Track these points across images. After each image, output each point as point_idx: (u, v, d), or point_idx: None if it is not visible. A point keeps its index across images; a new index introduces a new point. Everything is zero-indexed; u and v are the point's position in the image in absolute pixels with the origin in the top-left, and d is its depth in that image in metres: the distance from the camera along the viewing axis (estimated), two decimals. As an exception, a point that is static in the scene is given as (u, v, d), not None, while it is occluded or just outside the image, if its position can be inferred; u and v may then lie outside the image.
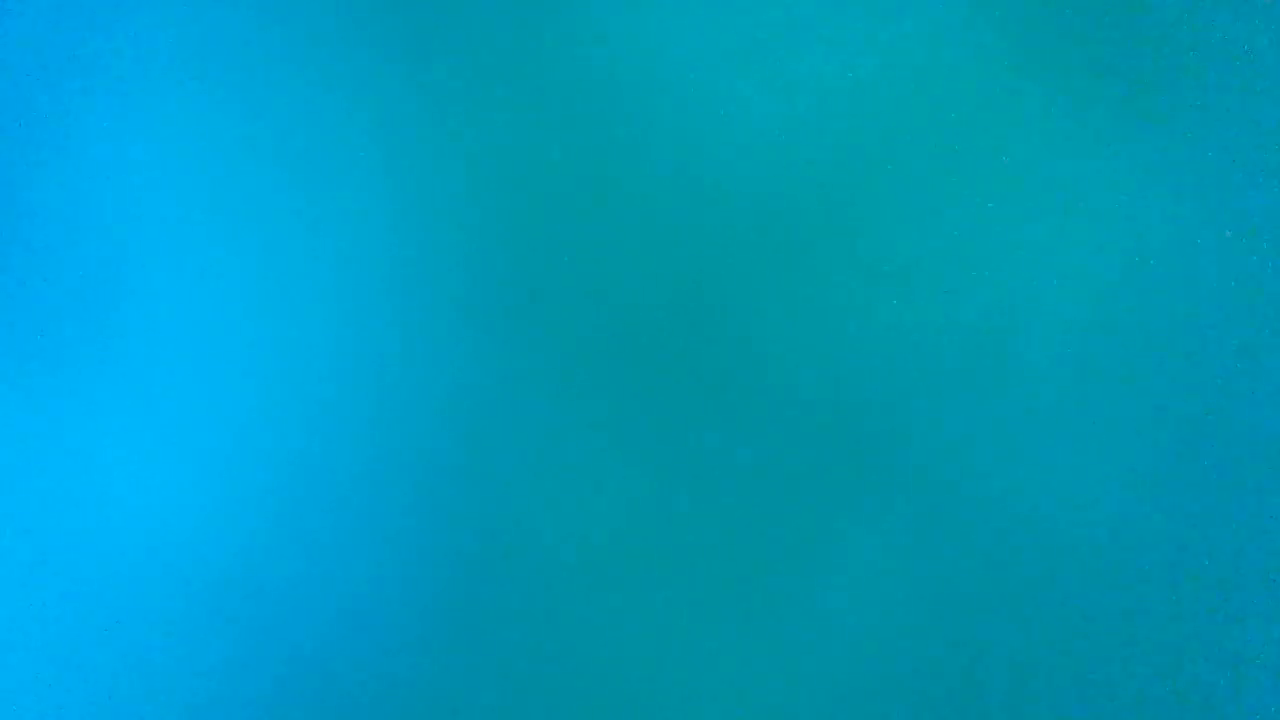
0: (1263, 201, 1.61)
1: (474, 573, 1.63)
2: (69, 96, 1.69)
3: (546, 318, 1.65)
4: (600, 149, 1.67)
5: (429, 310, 1.66)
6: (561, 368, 1.65)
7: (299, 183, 1.67)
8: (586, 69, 1.67)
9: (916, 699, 1.60)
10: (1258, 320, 1.60)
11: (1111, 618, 1.59)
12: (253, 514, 1.65)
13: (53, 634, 1.65)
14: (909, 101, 1.65)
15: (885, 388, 1.62)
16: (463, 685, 1.63)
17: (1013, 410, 1.61)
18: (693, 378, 1.64)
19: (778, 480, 1.62)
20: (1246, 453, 1.59)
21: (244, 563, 1.64)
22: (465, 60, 1.68)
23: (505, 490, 1.64)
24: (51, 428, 1.67)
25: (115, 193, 1.68)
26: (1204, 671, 1.58)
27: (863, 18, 1.65)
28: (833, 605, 1.61)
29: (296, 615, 1.64)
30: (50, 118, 1.69)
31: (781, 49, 1.66)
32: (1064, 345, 1.61)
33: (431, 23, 1.68)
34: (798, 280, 1.64)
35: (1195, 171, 1.62)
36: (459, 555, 1.63)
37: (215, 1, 1.69)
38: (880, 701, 1.60)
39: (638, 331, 1.65)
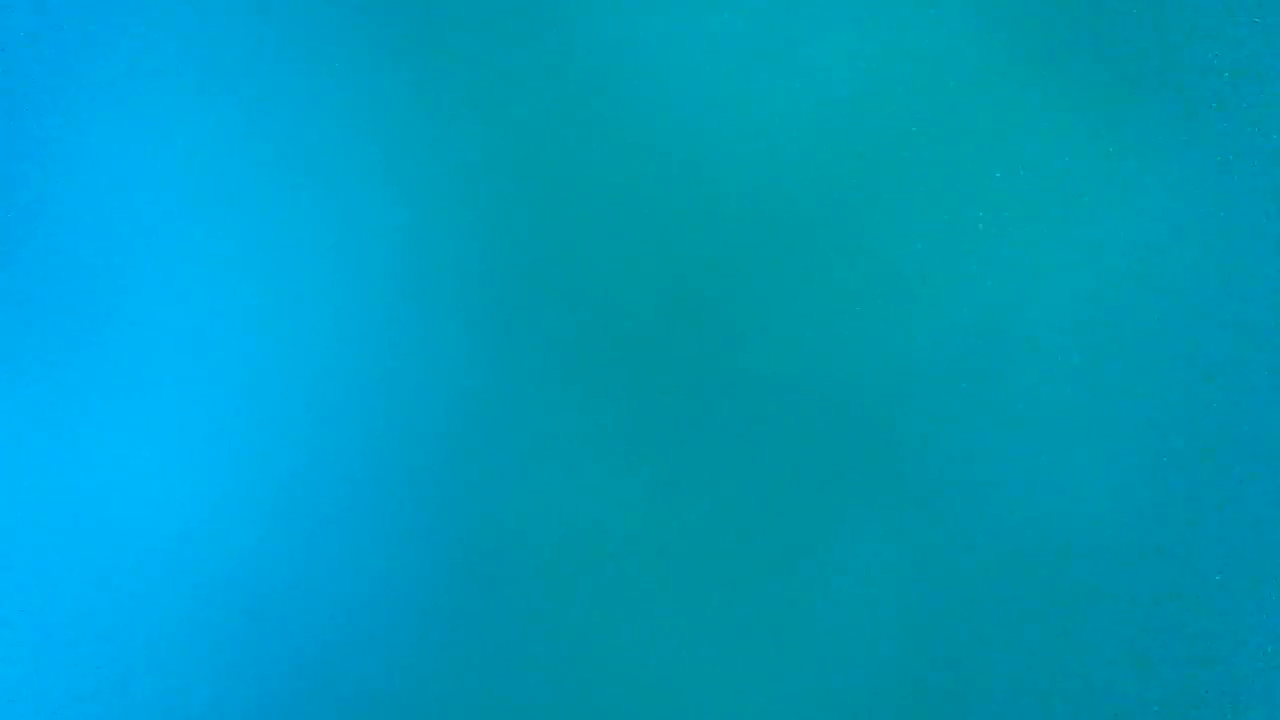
0: (1262, 202, 1.61)
1: (474, 572, 1.63)
2: (69, 97, 1.69)
3: (547, 319, 1.65)
4: (601, 150, 1.67)
5: (428, 310, 1.66)
6: (561, 369, 1.65)
7: (298, 183, 1.67)
8: (589, 70, 1.67)
9: (916, 698, 1.60)
10: (1257, 320, 1.60)
11: (1111, 617, 1.59)
12: (251, 514, 1.65)
13: (52, 633, 1.65)
14: (909, 103, 1.65)
15: (885, 387, 1.62)
16: (462, 683, 1.63)
17: (1013, 410, 1.61)
18: (694, 378, 1.64)
19: (777, 480, 1.62)
20: (1246, 452, 1.59)
21: (243, 563, 1.64)
22: (466, 61, 1.68)
23: (506, 491, 1.64)
24: (51, 428, 1.67)
25: (115, 193, 1.68)
26: (1204, 670, 1.58)
27: (863, 21, 1.66)
28: (832, 603, 1.61)
29: (297, 614, 1.64)
30: (50, 118, 1.69)
31: (782, 52, 1.66)
32: (1064, 345, 1.61)
33: (432, 23, 1.68)
34: (798, 282, 1.64)
35: (1195, 172, 1.62)
36: (459, 554, 1.63)
37: (216, 3, 1.69)
38: (880, 700, 1.60)
39: (639, 332, 1.65)
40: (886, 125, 1.65)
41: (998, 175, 1.63)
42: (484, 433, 1.64)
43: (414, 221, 1.67)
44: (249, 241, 1.67)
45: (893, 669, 1.60)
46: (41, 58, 1.69)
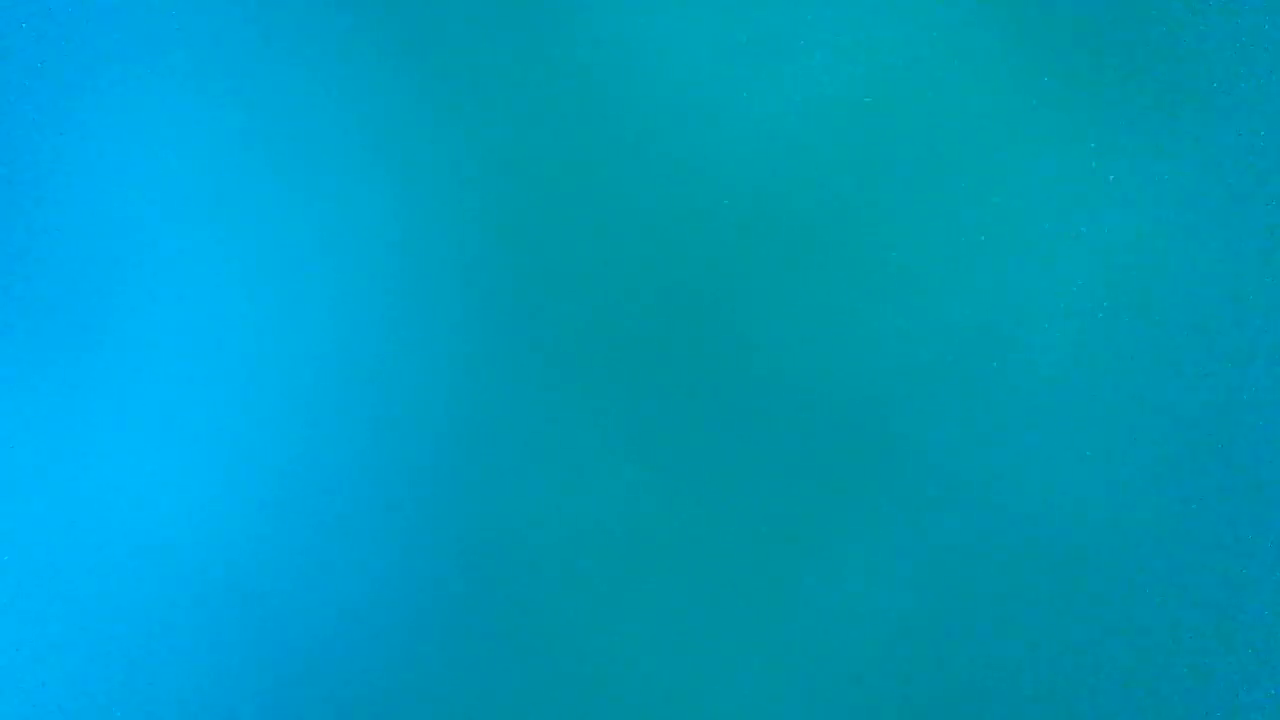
0: (1262, 201, 1.61)
1: (474, 572, 1.63)
2: (68, 97, 1.69)
3: (546, 318, 1.65)
4: (600, 150, 1.67)
5: (428, 310, 1.66)
6: (561, 368, 1.65)
7: (297, 183, 1.67)
8: (588, 71, 1.67)
9: (917, 697, 1.60)
10: (1257, 319, 1.60)
11: (1114, 616, 1.59)
12: (250, 514, 1.65)
13: (49, 634, 1.65)
14: (909, 103, 1.65)
15: (886, 386, 1.62)
16: (462, 682, 1.63)
17: (1012, 410, 1.61)
18: (693, 377, 1.64)
19: (778, 479, 1.62)
20: (1246, 452, 1.59)
21: (241, 563, 1.64)
22: (466, 61, 1.68)
23: (506, 491, 1.64)
24: (50, 428, 1.67)
25: (114, 193, 1.68)
26: (1205, 670, 1.58)
27: (863, 21, 1.66)
28: (834, 602, 1.61)
29: (296, 614, 1.64)
30: (49, 118, 1.69)
31: (782, 52, 1.66)
32: (1064, 345, 1.61)
33: (431, 23, 1.68)
34: (797, 281, 1.64)
35: (1195, 172, 1.62)
36: (459, 554, 1.63)
37: (215, 2, 1.69)
38: (881, 699, 1.60)
39: (639, 331, 1.65)
40: (886, 125, 1.65)
41: (998, 175, 1.63)
42: (484, 432, 1.64)
43: (413, 221, 1.67)
44: (248, 241, 1.67)
45: (895, 668, 1.60)
46: (42, 58, 1.69)
